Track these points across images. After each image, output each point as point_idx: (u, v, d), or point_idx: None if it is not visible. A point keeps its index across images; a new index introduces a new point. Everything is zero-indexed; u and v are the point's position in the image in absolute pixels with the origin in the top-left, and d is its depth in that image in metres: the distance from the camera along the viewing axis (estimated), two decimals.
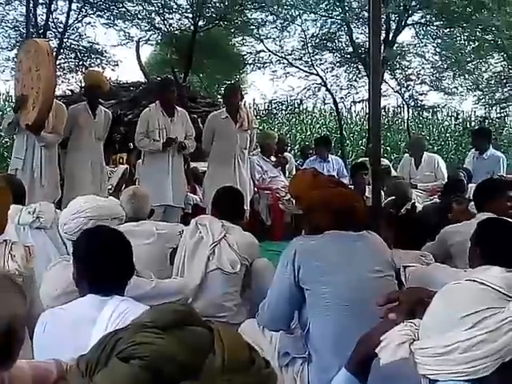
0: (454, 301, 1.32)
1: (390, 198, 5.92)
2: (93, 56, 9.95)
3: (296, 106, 12.34)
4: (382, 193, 5.98)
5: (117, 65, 10.00)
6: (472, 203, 4.61)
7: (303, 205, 2.73)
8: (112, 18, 9.64)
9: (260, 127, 12.30)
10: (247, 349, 0.91)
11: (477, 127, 7.79)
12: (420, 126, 13.26)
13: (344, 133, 11.53)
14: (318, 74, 10.80)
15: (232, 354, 0.86)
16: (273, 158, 7.51)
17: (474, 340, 1.24)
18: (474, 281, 1.34)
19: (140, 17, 9.70)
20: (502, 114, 12.29)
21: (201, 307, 3.28)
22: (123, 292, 2.03)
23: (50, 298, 2.52)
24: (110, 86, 6.13)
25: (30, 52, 5.48)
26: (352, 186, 6.75)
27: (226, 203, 3.69)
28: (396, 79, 10.83)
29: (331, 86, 10.91)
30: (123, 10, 9.62)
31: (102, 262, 2.05)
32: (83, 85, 6.15)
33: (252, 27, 10.37)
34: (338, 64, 10.86)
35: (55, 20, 9.46)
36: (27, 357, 1.76)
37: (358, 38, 10.39)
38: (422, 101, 11.34)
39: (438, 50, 10.42)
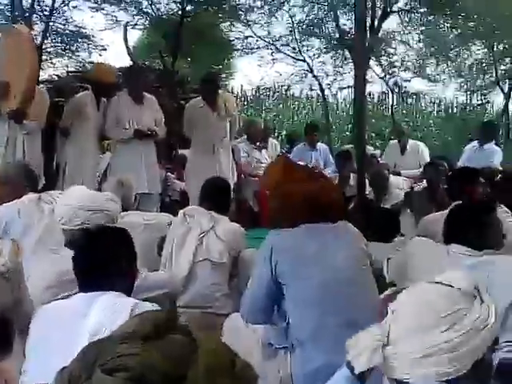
0: (427, 304, 1.36)
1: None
2: (80, 40, 9.90)
3: (283, 92, 12.39)
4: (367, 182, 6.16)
5: (104, 49, 9.97)
6: None
7: (276, 201, 2.71)
8: (99, 2, 9.59)
9: (248, 113, 12.37)
10: (229, 354, 0.94)
11: (485, 121, 7.88)
12: (404, 112, 13.41)
13: (330, 119, 11.60)
14: (304, 60, 10.84)
15: (214, 362, 0.88)
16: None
17: (453, 342, 1.30)
18: (441, 283, 1.42)
19: (127, 1, 9.66)
20: (483, 101, 12.51)
21: (189, 298, 3.39)
22: (116, 288, 2.05)
23: (39, 290, 2.54)
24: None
25: (11, 39, 5.43)
26: (337, 174, 6.92)
27: (214, 194, 3.77)
28: (381, 65, 10.92)
29: (318, 72, 10.98)
30: None
31: (87, 259, 2.10)
32: (91, 77, 6.06)
33: (240, 12, 10.38)
34: (324, 50, 10.92)
35: (41, 3, 9.40)
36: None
37: (344, 25, 10.44)
38: (405, 87, 11.51)
39: (421, 37, 10.54)
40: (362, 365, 1.44)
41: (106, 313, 1.92)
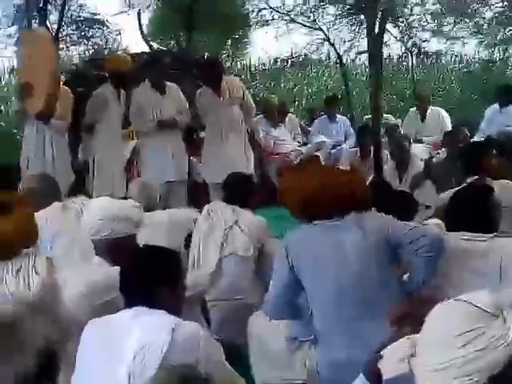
0: (447, 321, 1.49)
1: None
2: (94, 26, 9.97)
3: (301, 60, 12.32)
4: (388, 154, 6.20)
5: (119, 34, 10.04)
6: None
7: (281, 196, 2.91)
8: None
9: (266, 85, 12.37)
10: None
11: (501, 85, 7.89)
12: (424, 72, 13.28)
13: (349, 84, 11.52)
14: (320, 29, 10.77)
15: None
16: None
17: (468, 357, 1.42)
18: (464, 301, 1.52)
19: None
20: (505, 55, 12.40)
21: (218, 291, 3.54)
22: (160, 307, 2.10)
23: (74, 298, 2.60)
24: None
25: (31, 42, 5.56)
26: (359, 148, 6.96)
27: (235, 189, 3.89)
28: (398, 27, 10.81)
29: (334, 39, 10.90)
30: None
31: (135, 276, 2.18)
32: (107, 69, 6.16)
33: None
34: (339, 17, 10.81)
35: None
36: None
37: None
38: (425, 48, 11.46)
39: None
40: (388, 372, 1.59)
41: (147, 332, 2.01)
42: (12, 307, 1.65)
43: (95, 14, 9.92)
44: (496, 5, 10.85)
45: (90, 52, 10.42)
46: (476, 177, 3.92)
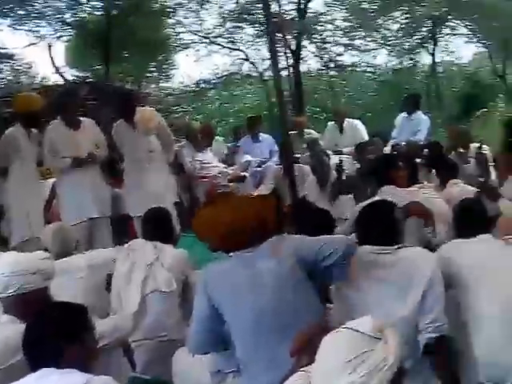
0: (336, 350, 1.56)
1: None
2: (2, 60, 9.59)
3: (224, 80, 12.44)
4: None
5: (30, 67, 9.74)
6: None
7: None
8: (18, 19, 9.31)
9: (192, 107, 12.39)
10: None
11: (407, 94, 8.45)
12: (341, 83, 13.75)
13: (272, 101, 11.71)
14: (239, 49, 10.94)
15: None
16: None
17: (357, 382, 1.49)
18: (350, 329, 1.58)
19: (49, 14, 9.42)
20: (412, 63, 13.12)
21: (144, 330, 3.48)
22: (68, 365, 2.04)
23: None
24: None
25: None
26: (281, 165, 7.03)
27: (155, 226, 3.85)
28: (314, 43, 11.13)
29: (254, 58, 11.08)
30: (30, 9, 9.29)
31: (34, 335, 2.11)
32: (15, 109, 5.91)
33: (169, 10, 10.30)
34: (257, 36, 11.00)
35: None
36: None
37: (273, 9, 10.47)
38: (340, 61, 11.93)
39: (346, 13, 10.93)
40: None
41: None
42: None
43: (2, 48, 9.57)
44: (400, 17, 11.41)
45: (1, 86, 10.05)
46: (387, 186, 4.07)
